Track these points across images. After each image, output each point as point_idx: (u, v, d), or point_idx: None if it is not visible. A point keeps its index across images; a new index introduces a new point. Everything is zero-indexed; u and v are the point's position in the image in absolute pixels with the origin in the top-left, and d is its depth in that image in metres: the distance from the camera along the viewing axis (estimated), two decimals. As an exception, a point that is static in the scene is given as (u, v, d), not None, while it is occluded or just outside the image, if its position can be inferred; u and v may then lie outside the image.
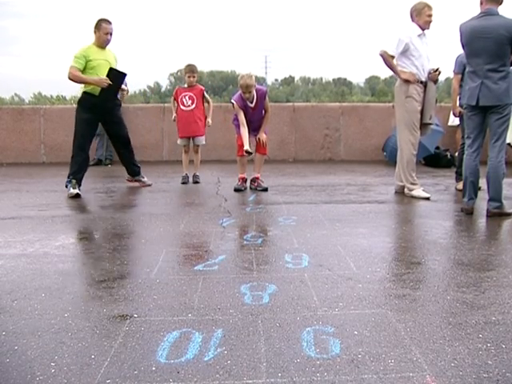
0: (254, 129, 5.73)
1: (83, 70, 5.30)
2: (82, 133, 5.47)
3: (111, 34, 5.45)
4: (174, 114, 6.28)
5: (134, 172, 6.03)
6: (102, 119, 5.61)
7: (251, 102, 5.54)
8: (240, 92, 5.53)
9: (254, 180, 5.76)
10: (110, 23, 5.42)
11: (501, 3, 4.24)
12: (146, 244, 3.50)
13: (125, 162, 6.02)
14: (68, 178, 5.39)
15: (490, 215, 4.25)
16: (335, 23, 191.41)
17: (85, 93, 5.53)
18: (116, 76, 5.43)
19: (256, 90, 5.51)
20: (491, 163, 4.24)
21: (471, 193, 4.37)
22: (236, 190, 5.64)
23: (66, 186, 5.37)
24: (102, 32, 5.37)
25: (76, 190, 5.25)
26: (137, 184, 5.95)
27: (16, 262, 3.08)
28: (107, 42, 5.45)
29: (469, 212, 4.37)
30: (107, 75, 5.32)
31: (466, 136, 4.56)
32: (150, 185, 5.98)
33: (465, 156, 4.47)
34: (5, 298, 2.49)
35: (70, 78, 5.34)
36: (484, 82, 4.18)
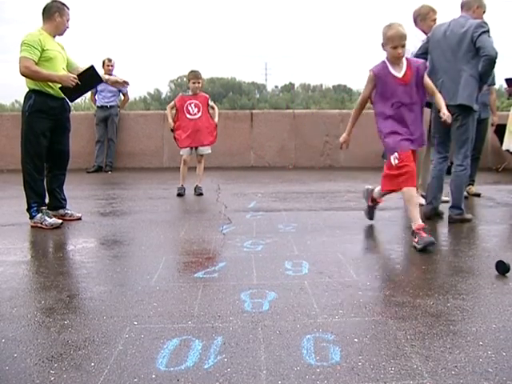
0: (407, 125, 3.72)
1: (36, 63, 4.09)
2: (38, 151, 4.23)
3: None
4: (172, 123, 5.89)
5: (56, 206, 4.53)
6: (52, 127, 4.33)
7: (398, 71, 3.70)
8: (384, 59, 3.75)
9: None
10: (68, 8, 4.34)
11: (467, 10, 4.35)
12: (146, 251, 3.50)
13: (51, 189, 4.49)
14: (32, 206, 4.25)
15: (452, 221, 4.33)
16: (335, 30, 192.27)
17: (37, 92, 4.20)
18: (91, 78, 4.29)
19: (408, 59, 3.78)
20: (455, 171, 4.32)
21: (430, 198, 4.44)
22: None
23: (32, 217, 4.24)
24: (65, 18, 4.28)
25: (56, 220, 4.27)
26: (59, 221, 4.29)
27: (16, 269, 3.08)
28: (65, 31, 4.36)
29: (426, 217, 4.39)
30: (81, 73, 4.21)
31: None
32: (79, 218, 4.55)
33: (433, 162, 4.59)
34: (4, 305, 2.49)
35: (23, 74, 4.08)
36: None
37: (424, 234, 3.44)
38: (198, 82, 5.92)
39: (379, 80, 3.70)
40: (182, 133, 5.90)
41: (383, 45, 3.68)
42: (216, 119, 6.08)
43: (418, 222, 3.54)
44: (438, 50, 4.36)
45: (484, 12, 4.39)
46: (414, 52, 4.97)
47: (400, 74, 3.68)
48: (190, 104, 5.89)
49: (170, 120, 5.95)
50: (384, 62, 3.73)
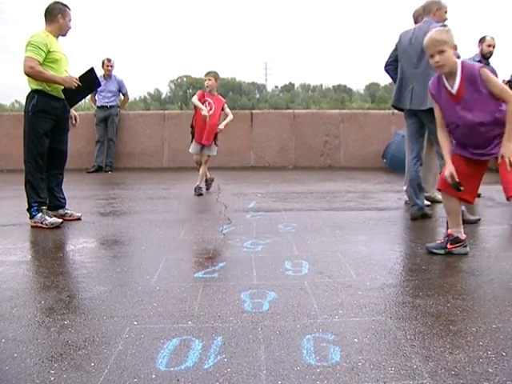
0: (473, 145, 3.26)
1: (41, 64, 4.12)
2: (40, 150, 4.24)
3: None
4: (205, 112, 5.84)
5: (56, 206, 4.51)
6: (53, 127, 4.34)
7: (451, 85, 3.08)
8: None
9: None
10: (70, 9, 4.40)
11: (428, 14, 4.35)
12: (145, 251, 3.50)
13: (49, 189, 4.45)
14: (32, 205, 4.25)
15: (413, 218, 4.41)
16: (335, 30, 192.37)
17: (39, 93, 4.22)
18: (92, 81, 4.42)
19: (462, 67, 3.05)
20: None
21: (414, 199, 4.45)
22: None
23: (32, 216, 4.24)
24: (68, 19, 4.32)
25: (56, 219, 4.27)
26: (59, 221, 4.29)
27: (16, 269, 3.08)
28: (68, 31, 4.41)
29: (413, 218, 4.42)
30: (82, 76, 4.27)
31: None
32: (79, 218, 4.55)
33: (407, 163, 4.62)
34: (4, 305, 2.49)
35: (28, 74, 4.11)
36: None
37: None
38: (209, 79, 6.05)
39: (438, 96, 3.17)
40: (196, 127, 6.05)
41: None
42: (225, 122, 6.09)
43: None
44: (405, 57, 4.40)
45: (446, 12, 4.38)
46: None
47: (453, 90, 3.07)
48: (205, 101, 6.01)
49: (201, 106, 5.89)
50: (438, 80, 3.15)
